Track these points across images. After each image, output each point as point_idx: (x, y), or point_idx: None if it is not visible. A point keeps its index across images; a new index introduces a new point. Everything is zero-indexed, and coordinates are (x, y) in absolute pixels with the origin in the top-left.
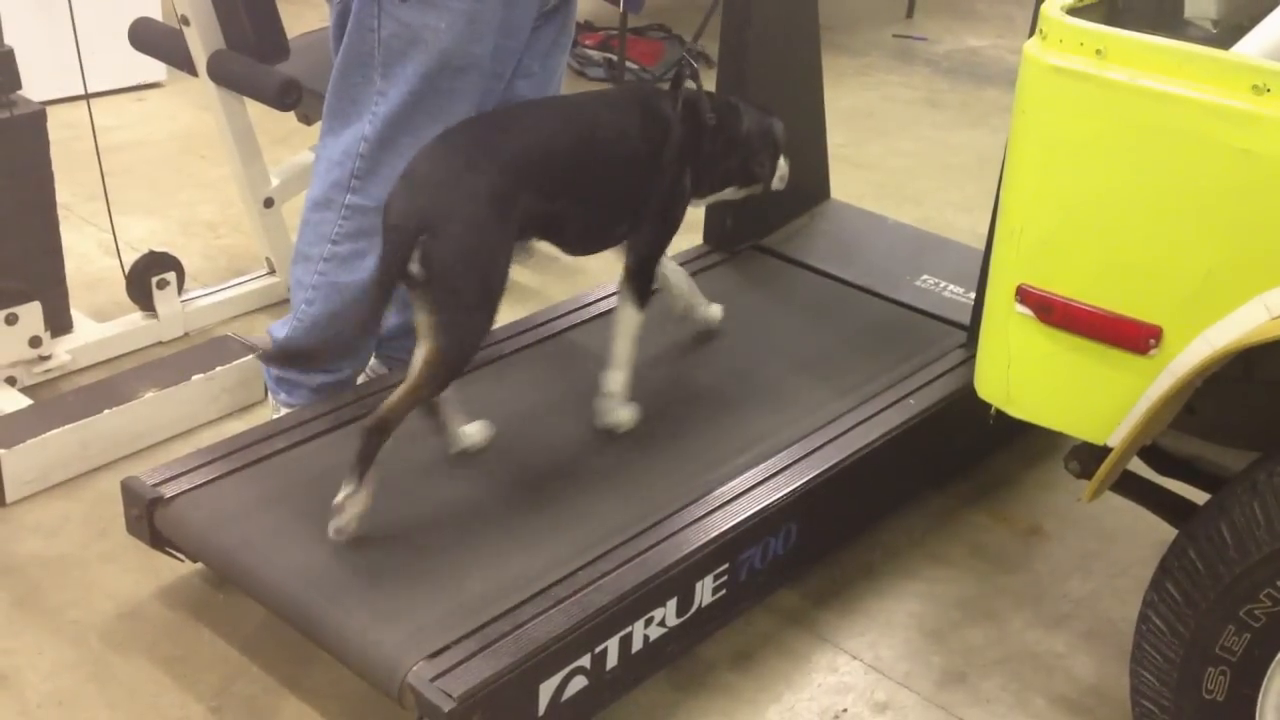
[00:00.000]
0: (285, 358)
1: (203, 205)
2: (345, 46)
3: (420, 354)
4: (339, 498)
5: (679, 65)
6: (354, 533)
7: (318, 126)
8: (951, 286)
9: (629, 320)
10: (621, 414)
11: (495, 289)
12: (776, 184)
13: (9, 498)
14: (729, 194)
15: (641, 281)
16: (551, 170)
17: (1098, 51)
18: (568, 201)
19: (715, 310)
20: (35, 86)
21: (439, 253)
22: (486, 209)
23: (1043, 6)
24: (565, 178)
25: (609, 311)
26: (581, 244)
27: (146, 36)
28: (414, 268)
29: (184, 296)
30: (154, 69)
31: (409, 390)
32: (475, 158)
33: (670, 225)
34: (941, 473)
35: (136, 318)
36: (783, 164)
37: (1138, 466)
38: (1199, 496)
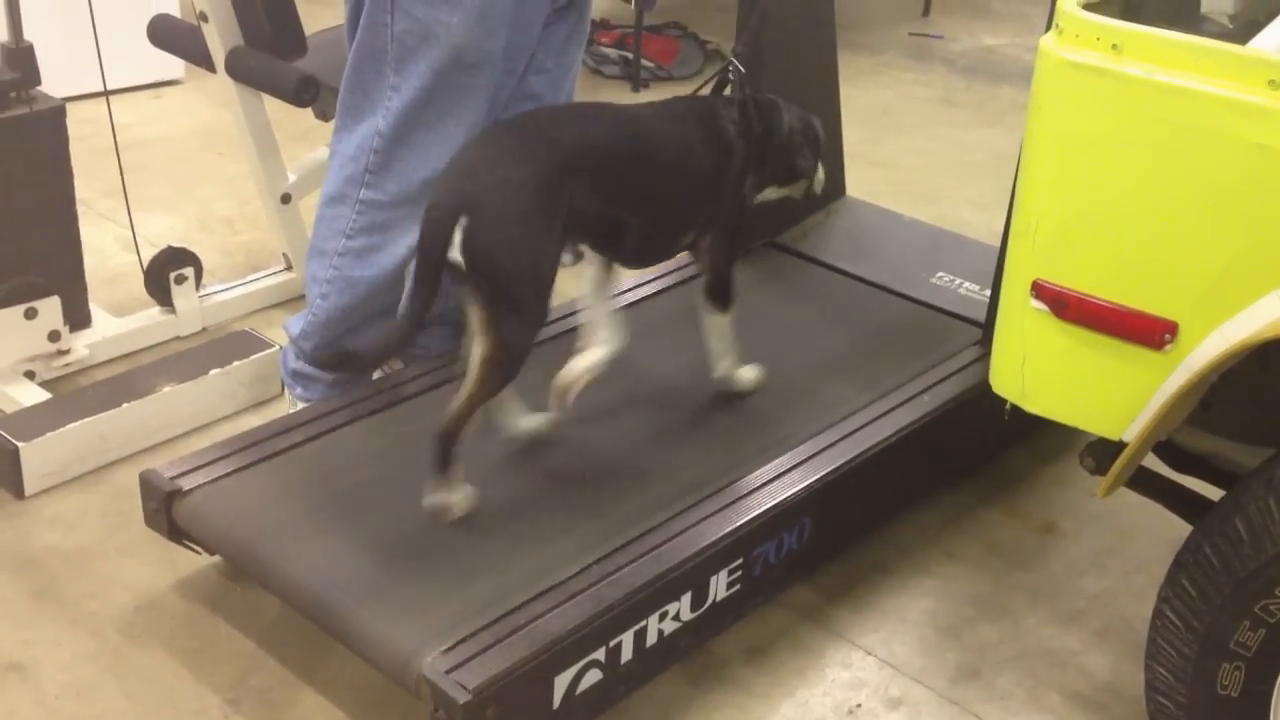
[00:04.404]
0: (340, 362)
1: (220, 201)
2: (358, 42)
3: (476, 353)
4: (432, 500)
5: (723, 70)
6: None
7: (334, 123)
8: (967, 284)
9: (718, 324)
10: (746, 375)
11: (543, 278)
12: (815, 186)
13: (28, 490)
14: (769, 194)
15: (722, 293)
16: (604, 173)
17: (1114, 46)
18: (626, 210)
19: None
20: (55, 83)
21: (479, 236)
22: (529, 195)
23: (1059, 1)
24: (622, 185)
25: (628, 307)
26: (639, 256)
27: (165, 33)
28: (455, 254)
29: (202, 292)
30: (172, 66)
31: (470, 392)
32: (522, 145)
33: (737, 236)
34: (956, 469)
35: (154, 313)
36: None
37: (1153, 463)
38: (1214, 493)
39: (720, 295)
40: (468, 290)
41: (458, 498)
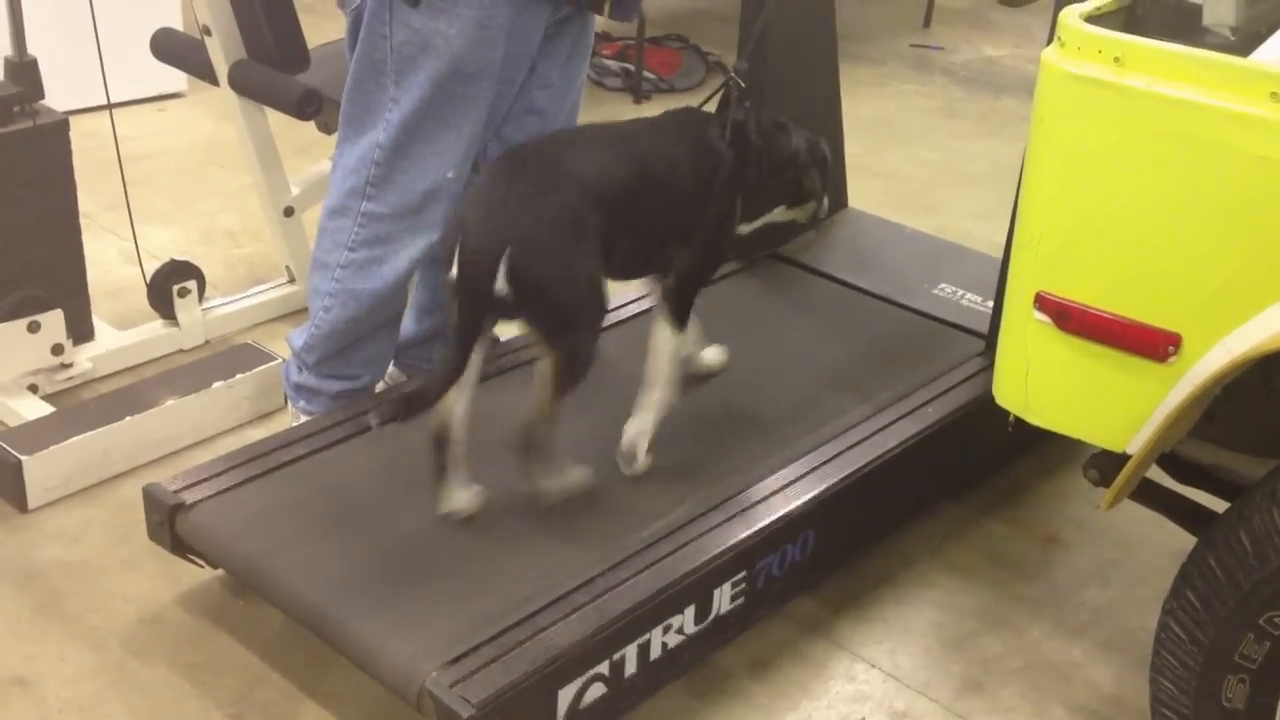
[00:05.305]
0: (402, 410)
1: (223, 214)
2: (359, 54)
3: (543, 365)
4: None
5: (725, 86)
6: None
7: (337, 135)
8: (969, 295)
9: (664, 342)
10: (632, 431)
11: (598, 299)
12: (820, 211)
13: (31, 504)
14: (778, 215)
15: (679, 303)
16: (611, 194)
17: (1116, 59)
18: (617, 227)
19: (715, 355)
20: (58, 96)
21: (529, 267)
22: (570, 223)
23: (1061, 14)
24: (620, 203)
25: (631, 319)
26: (624, 270)
27: (168, 47)
28: (500, 286)
29: (205, 305)
30: (175, 79)
31: (550, 397)
32: (544, 176)
33: (719, 253)
34: (959, 481)
35: (157, 326)
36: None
37: (1156, 474)
38: (1218, 505)
39: (676, 307)
40: (516, 320)
41: (552, 481)
